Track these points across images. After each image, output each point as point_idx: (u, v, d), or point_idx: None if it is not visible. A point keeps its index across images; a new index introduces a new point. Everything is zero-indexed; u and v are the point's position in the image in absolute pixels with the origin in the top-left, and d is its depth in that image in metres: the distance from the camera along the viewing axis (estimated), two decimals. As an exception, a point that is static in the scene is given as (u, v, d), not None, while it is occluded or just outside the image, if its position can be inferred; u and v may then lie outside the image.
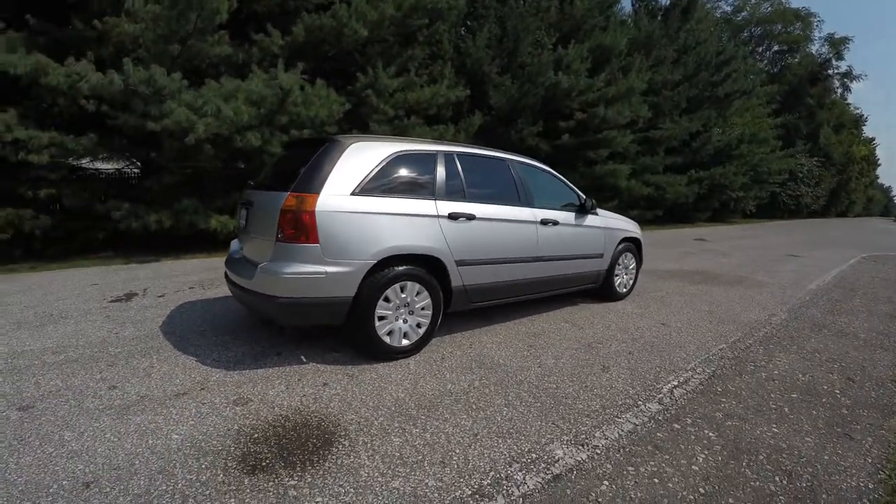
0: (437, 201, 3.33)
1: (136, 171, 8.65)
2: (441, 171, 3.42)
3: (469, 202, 3.52)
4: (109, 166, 8.50)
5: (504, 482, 2.01)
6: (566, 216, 4.35)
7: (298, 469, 2.07)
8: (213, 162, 7.35)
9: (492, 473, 2.06)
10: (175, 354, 3.30)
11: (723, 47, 19.36)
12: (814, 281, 7.04)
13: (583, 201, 4.58)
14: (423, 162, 3.39)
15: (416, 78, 9.44)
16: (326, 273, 2.85)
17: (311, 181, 2.90)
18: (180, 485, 1.95)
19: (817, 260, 9.43)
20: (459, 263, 3.40)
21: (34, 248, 6.82)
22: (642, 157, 15.32)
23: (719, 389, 3.01)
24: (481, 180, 3.77)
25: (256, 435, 2.33)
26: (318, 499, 1.89)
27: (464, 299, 3.56)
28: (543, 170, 4.48)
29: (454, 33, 10.93)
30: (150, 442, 2.25)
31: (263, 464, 2.11)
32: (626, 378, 3.10)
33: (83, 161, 7.39)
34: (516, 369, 3.16)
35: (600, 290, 5.05)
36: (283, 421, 2.46)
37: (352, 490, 1.94)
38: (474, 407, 2.62)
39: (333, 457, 2.16)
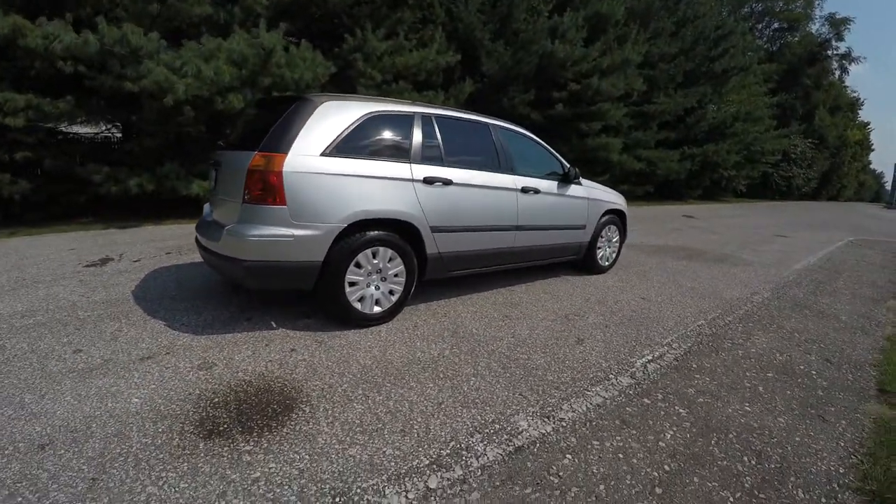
0: (413, 165, 3.22)
1: (117, 134, 8.42)
2: (417, 134, 3.31)
3: (446, 167, 3.42)
4: (90, 130, 8.27)
5: (464, 452, 1.99)
6: (548, 185, 4.26)
7: (255, 434, 2.04)
8: (196, 126, 7.14)
9: (452, 443, 2.04)
10: (144, 319, 3.24)
11: (722, 21, 18.84)
12: (799, 261, 7.02)
13: (566, 170, 4.48)
14: (399, 123, 3.27)
15: (406, 42, 9.12)
16: (294, 236, 2.76)
17: (280, 141, 2.78)
18: (135, 448, 1.92)
19: (805, 241, 9.42)
20: (435, 230, 3.32)
21: (13, 212, 6.67)
22: (635, 132, 15.06)
23: (694, 366, 2.99)
24: (460, 144, 3.66)
25: (217, 400, 2.29)
26: (272, 465, 1.87)
27: (440, 267, 3.50)
28: (526, 136, 4.36)
29: (447, -4, 10.55)
30: (110, 405, 2.22)
31: (220, 429, 2.08)
32: (599, 351, 3.07)
33: (62, 124, 7.16)
34: (489, 339, 3.12)
35: (582, 262, 5.00)
36: (245, 386, 2.42)
37: (307, 457, 1.92)
38: (441, 376, 2.59)
39: (292, 423, 2.13)
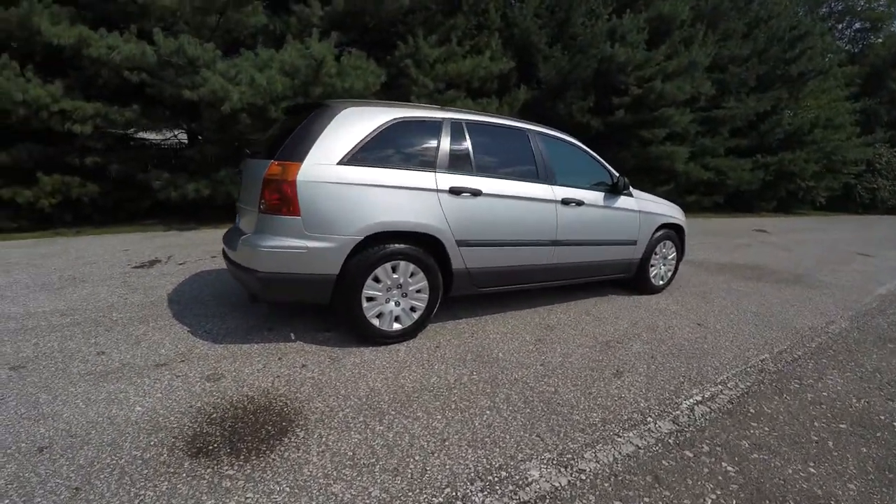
0: (438, 174, 3.02)
1: (185, 141, 8.91)
2: (445, 141, 3.11)
3: (476, 176, 3.19)
4: (158, 137, 8.81)
5: (458, 503, 1.74)
6: (594, 196, 3.92)
7: (242, 458, 1.92)
8: (253, 133, 7.37)
9: (447, 490, 1.79)
10: (171, 323, 3.26)
11: (798, 21, 17.19)
12: (884, 285, 6.09)
13: (615, 180, 4.10)
14: (426, 130, 3.09)
15: (458, 48, 9.00)
16: (307, 248, 2.65)
17: (296, 149, 2.69)
18: (123, 460, 1.88)
19: (891, 261, 8.23)
20: (461, 244, 3.10)
21: (84, 213, 7.16)
22: (702, 139, 13.96)
23: (752, 411, 2.56)
24: (494, 152, 3.42)
25: (215, 415, 2.20)
26: (249, 495, 1.72)
27: (467, 283, 3.26)
28: (570, 143, 4.04)
29: (502, 1, 10.32)
30: (113, 412, 2.20)
31: (209, 447, 1.98)
32: (640, 387, 2.71)
33: (130, 131, 7.64)
34: (515, 365, 2.84)
35: (633, 281, 4.57)
36: (246, 402, 2.31)
37: (287, 489, 1.75)
38: (453, 406, 2.35)
39: (282, 448, 1.98)
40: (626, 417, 2.37)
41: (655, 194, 4.96)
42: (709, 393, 2.70)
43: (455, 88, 9.12)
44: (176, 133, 8.89)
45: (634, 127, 11.73)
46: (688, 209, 14.08)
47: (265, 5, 7.56)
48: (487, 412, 2.31)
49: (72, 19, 6.09)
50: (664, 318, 3.96)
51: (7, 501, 1.67)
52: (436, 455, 1.97)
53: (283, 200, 2.60)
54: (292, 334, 3.14)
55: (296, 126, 2.87)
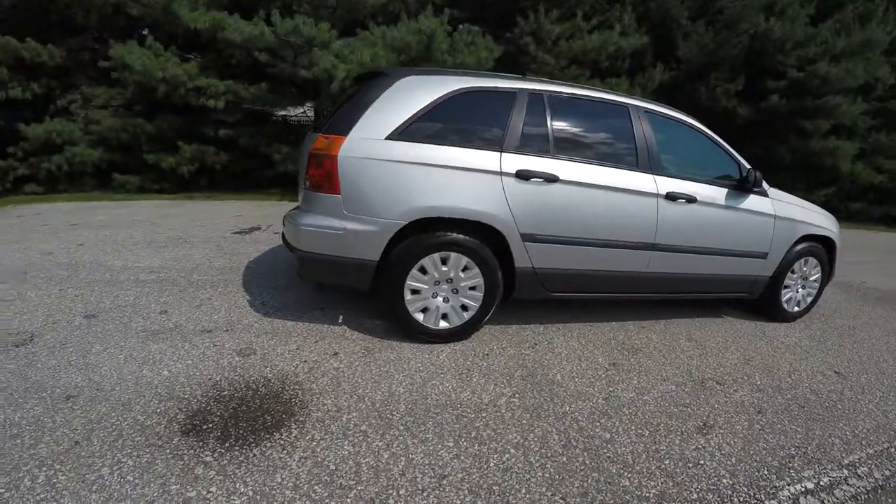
0: (505, 154, 2.57)
1: (311, 118, 9.48)
2: (518, 116, 2.63)
3: (553, 158, 2.67)
4: (294, 113, 9.48)
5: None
6: (712, 192, 3.11)
7: (226, 446, 1.79)
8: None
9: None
10: (236, 290, 3.32)
11: None
12: None
13: (745, 174, 3.23)
14: (496, 102, 2.65)
15: (583, 23, 8.16)
16: (345, 229, 2.42)
17: (343, 121, 2.46)
18: (126, 423, 1.88)
19: None
20: (527, 238, 2.63)
21: (216, 180, 7.95)
22: (876, 134, 10.94)
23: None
24: (581, 131, 2.86)
25: (226, 393, 2.11)
26: (212, 489, 1.58)
27: (533, 285, 2.79)
28: (687, 125, 3.25)
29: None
30: (143, 372, 2.23)
31: (203, 427, 1.89)
32: (730, 453, 2.01)
33: (265, 107, 8.26)
34: (571, 395, 2.32)
35: (759, 303, 3.64)
36: (260, 385, 2.18)
37: (250, 493, 1.56)
38: (473, 435, 1.94)
39: (268, 444, 1.80)
40: (695, 498, 1.74)
41: (812, 197, 3.87)
42: (827, 479, 1.92)
43: (578, 66, 8.32)
44: (305, 110, 9.48)
45: (792, 116, 9.59)
46: (850, 218, 11.32)
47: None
48: (511, 451, 1.86)
49: (208, 5, 6.66)
50: (790, 358, 3.04)
51: (19, 441, 1.74)
52: (422, 495, 1.61)
53: (324, 177, 2.40)
54: (341, 317, 2.97)
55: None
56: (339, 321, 2.92)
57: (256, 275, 3.67)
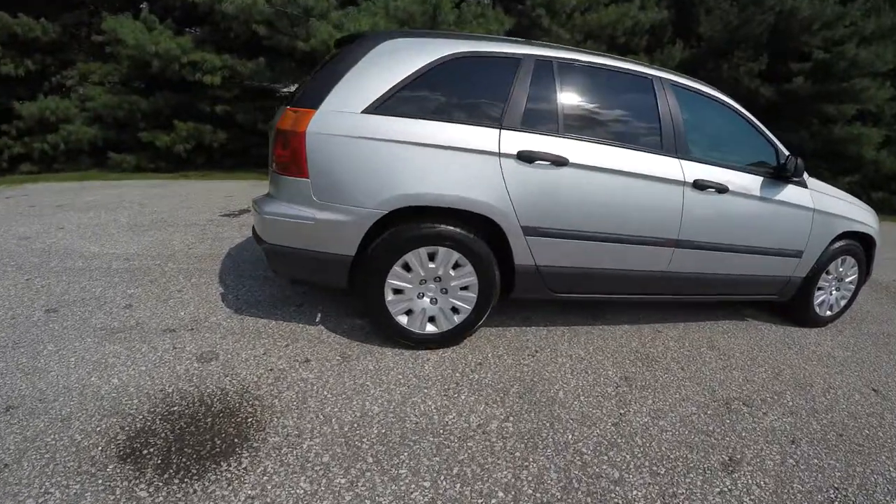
0: (504, 131, 2.20)
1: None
2: (522, 86, 2.25)
3: (563, 137, 2.30)
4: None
5: None
6: (746, 181, 2.72)
7: (165, 478, 1.52)
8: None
9: None
10: (210, 282, 3.05)
11: None
12: None
13: (783, 161, 2.82)
14: (496, 70, 2.26)
15: (601, -5, 7.63)
16: (315, 220, 2.09)
17: (313, 92, 2.11)
18: (62, 443, 1.64)
19: None
20: (529, 232, 2.28)
21: (214, 158, 7.67)
22: None
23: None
24: (596, 106, 2.48)
25: (175, 409, 1.84)
26: None
27: (536, 284, 2.45)
28: (719, 101, 2.83)
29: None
30: (92, 380, 1.99)
31: (143, 453, 1.62)
32: (760, 498, 1.69)
33: (255, 83, 7.91)
34: (575, 418, 1.99)
35: (788, 305, 3.26)
36: (215, 400, 1.90)
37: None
38: (455, 472, 1.63)
39: (213, 477, 1.53)
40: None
41: (834, 186, 3.42)
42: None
43: (594, 41, 7.79)
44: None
45: (816, 99, 8.95)
46: (873, 209, 10.65)
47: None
48: (500, 495, 1.55)
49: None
50: (823, 372, 2.68)
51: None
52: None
53: (291, 158, 2.06)
54: (319, 315, 2.68)
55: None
56: (317, 320, 2.63)
57: (236, 263, 3.39)
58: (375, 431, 1.77)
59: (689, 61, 8.79)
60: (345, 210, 2.08)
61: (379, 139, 2.05)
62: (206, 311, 2.64)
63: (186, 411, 1.82)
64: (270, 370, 2.12)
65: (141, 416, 1.78)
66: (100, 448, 1.62)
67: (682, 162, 2.52)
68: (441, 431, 1.80)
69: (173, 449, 1.63)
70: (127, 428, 1.71)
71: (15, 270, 3.05)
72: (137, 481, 1.49)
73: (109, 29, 6.27)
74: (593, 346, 2.63)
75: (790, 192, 2.86)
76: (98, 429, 1.70)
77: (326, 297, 2.90)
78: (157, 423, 1.76)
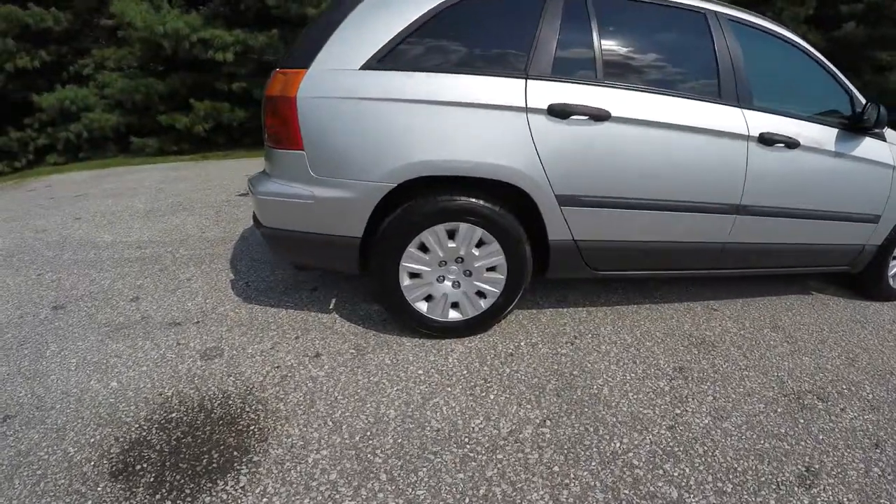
0: (531, 81, 1.86)
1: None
2: (550, 27, 1.88)
3: (603, 86, 1.94)
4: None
5: None
6: (819, 135, 2.29)
7: (157, 499, 1.35)
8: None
9: None
10: (220, 269, 2.88)
11: None
12: None
13: (860, 109, 2.36)
14: (519, 8, 1.90)
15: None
16: (314, 197, 1.83)
17: (304, 50, 1.82)
18: (54, 458, 1.50)
19: None
20: (566, 201, 1.96)
21: (234, 137, 7.54)
22: None
23: None
24: (640, 48, 2.09)
25: (173, 416, 1.68)
26: None
27: (575, 262, 2.14)
28: (786, 40, 2.37)
29: None
30: (91, 384, 1.85)
31: (137, 469, 1.46)
32: None
33: (273, 56, 7.66)
34: (624, 420, 1.70)
35: (858, 277, 2.83)
36: (216, 404, 1.72)
37: None
38: (482, 493, 1.38)
39: (205, 500, 1.35)
40: None
41: None
42: None
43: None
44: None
45: (867, 46, 8.03)
46: None
47: None
48: (536, 521, 1.30)
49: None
50: (913, 352, 2.28)
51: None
52: None
53: (282, 127, 1.79)
54: (334, 300, 2.47)
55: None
56: (331, 306, 2.42)
57: (249, 246, 3.21)
58: (391, 441, 1.54)
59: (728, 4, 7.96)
60: (347, 185, 1.80)
61: (381, 99, 1.75)
62: (214, 301, 2.47)
63: (185, 418, 1.65)
64: (277, 367, 1.92)
65: (137, 426, 1.62)
66: (92, 463, 1.47)
67: (745, 112, 2.12)
68: (466, 441, 1.56)
69: (168, 464, 1.46)
70: (122, 440, 1.56)
71: (28, 265, 2.97)
72: (127, 503, 1.33)
73: (118, 12, 6.10)
74: (640, 329, 2.32)
75: (868, 147, 2.40)
76: (92, 440, 1.55)
77: (342, 278, 2.68)
78: (154, 432, 1.59)
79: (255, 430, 1.59)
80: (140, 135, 7.03)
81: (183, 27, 5.92)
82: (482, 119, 1.80)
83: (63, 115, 6.79)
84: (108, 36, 7.24)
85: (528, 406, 1.73)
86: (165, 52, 6.39)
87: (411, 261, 1.96)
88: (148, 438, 1.56)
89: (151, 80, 6.59)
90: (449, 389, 1.80)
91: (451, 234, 1.94)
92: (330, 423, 1.62)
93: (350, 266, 2.01)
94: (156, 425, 1.62)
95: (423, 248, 1.95)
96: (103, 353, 2.02)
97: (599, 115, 1.89)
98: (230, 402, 1.74)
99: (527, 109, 1.83)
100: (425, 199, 1.86)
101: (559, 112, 1.86)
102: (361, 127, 1.76)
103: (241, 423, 1.63)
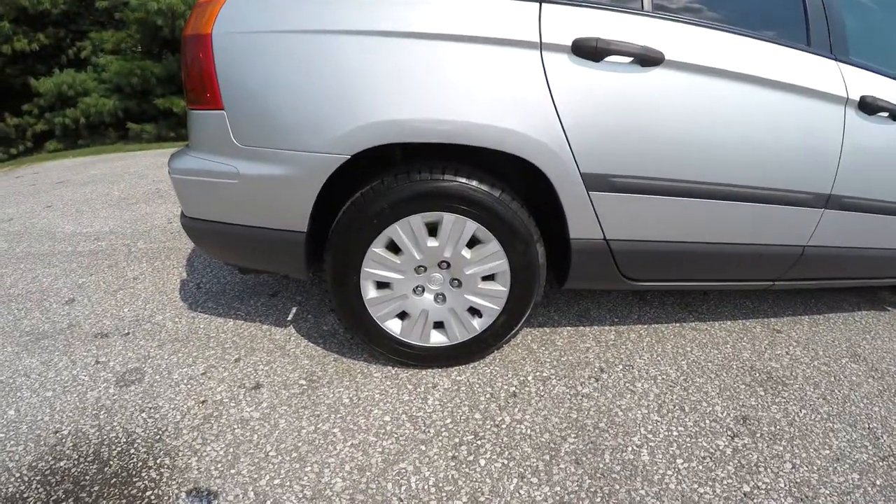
0: (547, 4, 1.31)
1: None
2: None
3: (651, 17, 1.38)
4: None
5: None
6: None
7: None
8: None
9: None
10: (174, 266, 2.49)
11: None
12: None
13: None
14: None
15: None
16: (238, 175, 1.34)
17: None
18: None
19: None
20: (595, 184, 1.42)
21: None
22: None
23: None
24: None
25: (61, 465, 1.29)
26: None
27: (605, 269, 1.60)
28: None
29: None
30: None
31: None
32: None
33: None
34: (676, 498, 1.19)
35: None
36: (113, 453, 1.30)
37: None
38: None
39: None
40: None
41: None
42: None
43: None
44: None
45: None
46: None
47: None
48: None
49: None
50: None
51: None
52: None
53: (198, 78, 1.30)
54: (294, 309, 2.01)
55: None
56: (289, 317, 1.96)
57: (218, 244, 2.79)
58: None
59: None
60: (282, 157, 1.30)
61: (328, 31, 1.24)
62: (154, 306, 2.04)
63: (73, 471, 1.22)
64: (202, 402, 1.46)
65: (16, 478, 1.21)
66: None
67: (842, 67, 1.55)
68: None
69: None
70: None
71: (-25, 258, 2.61)
72: None
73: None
74: (687, 358, 1.78)
75: None
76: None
77: (310, 286, 2.21)
78: (32, 489, 1.17)
79: (152, 498, 1.14)
80: (140, 120, 6.73)
81: (178, 3, 5.54)
82: (475, 59, 1.26)
83: (61, 100, 6.53)
84: (107, 18, 6.94)
85: (535, 480, 1.22)
86: (164, 33, 6.04)
87: (377, 265, 1.45)
88: (24, 496, 1.13)
89: (147, 63, 6.25)
90: (423, 449, 1.31)
91: (432, 230, 1.44)
92: (251, 496, 1.15)
93: (296, 270, 1.52)
94: (37, 479, 1.20)
95: (394, 247, 1.45)
96: (13, 371, 1.64)
97: (648, 58, 1.33)
98: (132, 450, 1.29)
99: (541, 45, 1.29)
100: (394, 177, 1.36)
101: (590, 50, 1.30)
102: (299, 73, 1.25)
103: (137, 485, 1.18)
